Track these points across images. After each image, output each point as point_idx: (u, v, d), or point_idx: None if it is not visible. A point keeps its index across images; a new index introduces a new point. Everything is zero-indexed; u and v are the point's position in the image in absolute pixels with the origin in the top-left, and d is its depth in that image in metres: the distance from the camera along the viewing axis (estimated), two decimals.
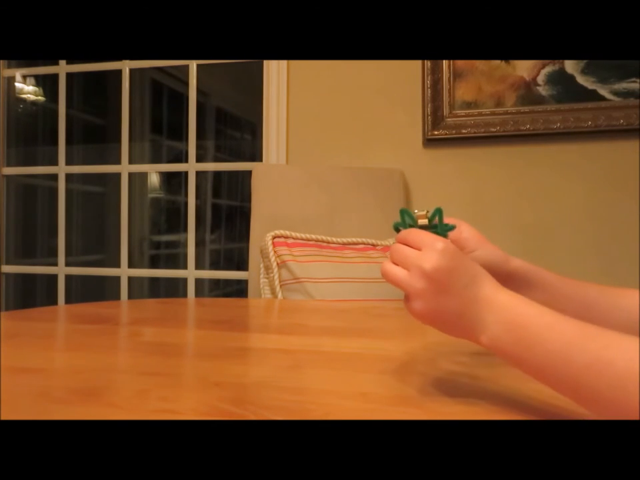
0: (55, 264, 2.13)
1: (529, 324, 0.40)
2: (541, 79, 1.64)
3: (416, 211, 0.51)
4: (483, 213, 1.69)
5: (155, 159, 2.78)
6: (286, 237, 1.43)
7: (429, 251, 0.44)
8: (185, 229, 2.02)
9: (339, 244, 1.47)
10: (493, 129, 1.67)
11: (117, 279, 2.08)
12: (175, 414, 0.42)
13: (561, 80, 1.62)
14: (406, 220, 0.51)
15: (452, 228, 0.51)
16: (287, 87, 1.84)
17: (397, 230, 0.52)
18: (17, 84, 2.34)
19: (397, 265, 0.46)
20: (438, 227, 0.51)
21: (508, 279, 0.55)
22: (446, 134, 1.70)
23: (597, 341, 0.36)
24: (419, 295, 0.43)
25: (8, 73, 2.21)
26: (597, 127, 1.59)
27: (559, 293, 0.55)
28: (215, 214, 2.87)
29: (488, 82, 1.68)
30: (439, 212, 0.51)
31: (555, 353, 0.38)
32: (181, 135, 2.25)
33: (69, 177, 2.17)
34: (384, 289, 1.38)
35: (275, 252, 1.40)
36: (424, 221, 0.50)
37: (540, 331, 0.39)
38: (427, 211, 0.51)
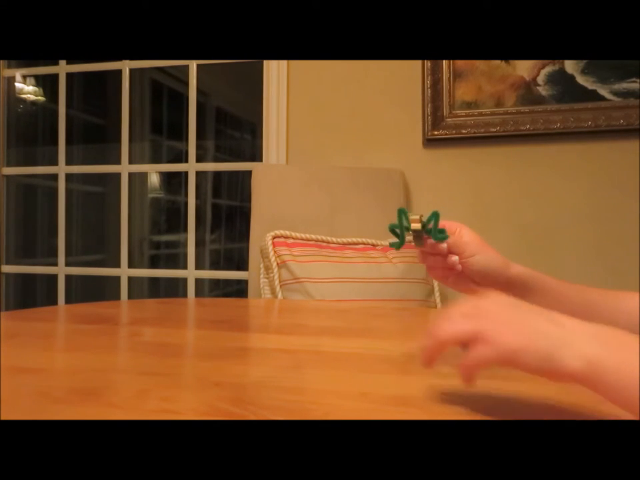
0: (55, 264, 2.13)
1: (630, 347, 0.34)
2: (541, 79, 1.64)
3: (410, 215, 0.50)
4: (483, 213, 1.69)
5: (155, 159, 2.78)
6: (286, 237, 1.43)
7: (478, 298, 0.39)
8: (185, 229, 2.02)
9: (339, 244, 1.47)
10: (492, 129, 1.67)
11: (117, 279, 2.08)
12: (174, 414, 0.42)
13: (561, 80, 1.62)
14: (403, 221, 0.50)
15: (445, 237, 0.50)
16: (286, 87, 1.84)
17: (393, 231, 0.51)
18: (16, 84, 2.34)
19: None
20: (432, 231, 0.49)
21: (509, 285, 0.55)
22: (446, 134, 1.70)
23: None
24: (490, 332, 0.36)
25: (8, 72, 2.21)
26: (597, 127, 1.59)
27: (561, 296, 0.55)
28: (215, 214, 2.87)
29: (488, 82, 1.68)
30: (435, 216, 0.50)
31: None
32: (181, 135, 2.25)
33: (69, 177, 2.17)
34: (384, 289, 1.38)
35: (275, 252, 1.40)
36: (417, 226, 0.49)
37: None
38: (421, 215, 0.50)
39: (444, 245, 0.54)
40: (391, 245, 0.53)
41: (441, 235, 0.50)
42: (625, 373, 0.33)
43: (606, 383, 0.34)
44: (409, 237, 0.50)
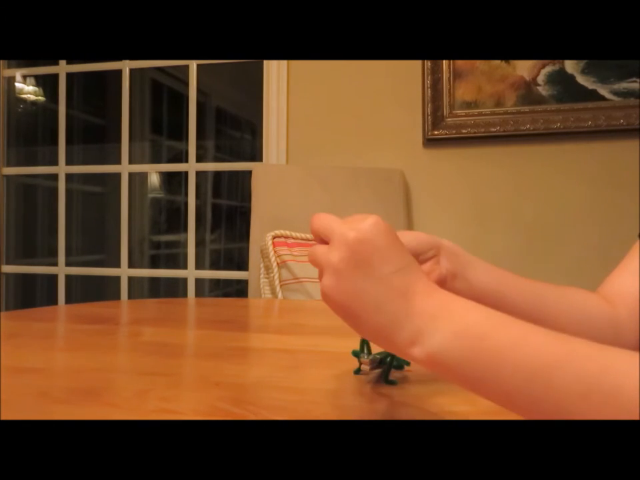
0: (55, 264, 2.13)
1: (490, 336, 0.31)
2: (541, 79, 1.64)
3: (364, 356, 0.50)
4: (483, 212, 1.69)
5: (155, 159, 2.78)
6: (286, 237, 1.43)
7: (358, 221, 0.35)
8: (185, 229, 2.02)
9: None
10: (493, 129, 1.67)
11: (117, 279, 2.08)
12: (174, 414, 0.42)
13: (561, 80, 1.62)
14: (364, 348, 0.51)
15: (395, 383, 0.49)
16: (286, 86, 1.84)
17: (356, 355, 0.52)
18: (16, 84, 2.34)
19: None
20: (384, 373, 0.50)
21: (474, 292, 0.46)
22: (446, 134, 1.70)
23: (592, 362, 0.28)
24: (332, 267, 0.34)
25: (8, 72, 2.21)
26: (597, 127, 1.59)
27: (518, 292, 0.48)
28: (215, 214, 2.87)
29: (488, 82, 1.68)
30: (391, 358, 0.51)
31: (531, 376, 0.29)
32: (181, 135, 2.25)
33: (69, 177, 2.17)
34: None
35: (275, 252, 1.40)
36: (365, 367, 0.50)
37: (507, 347, 0.30)
38: (373, 356, 0.50)
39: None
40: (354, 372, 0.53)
41: (391, 381, 0.50)
42: (479, 371, 0.31)
43: (455, 376, 0.33)
44: (364, 366, 0.50)
